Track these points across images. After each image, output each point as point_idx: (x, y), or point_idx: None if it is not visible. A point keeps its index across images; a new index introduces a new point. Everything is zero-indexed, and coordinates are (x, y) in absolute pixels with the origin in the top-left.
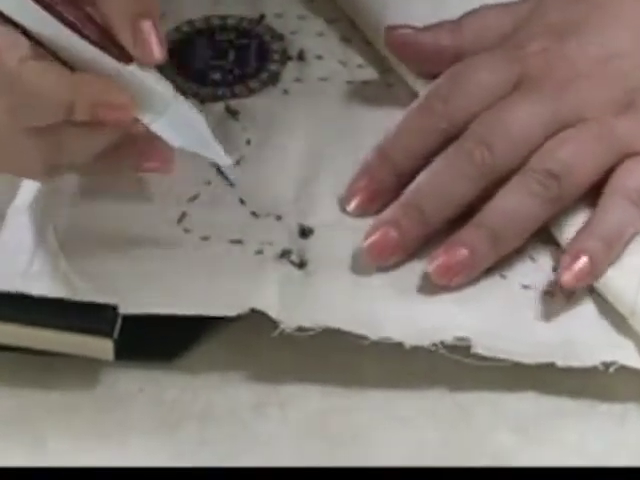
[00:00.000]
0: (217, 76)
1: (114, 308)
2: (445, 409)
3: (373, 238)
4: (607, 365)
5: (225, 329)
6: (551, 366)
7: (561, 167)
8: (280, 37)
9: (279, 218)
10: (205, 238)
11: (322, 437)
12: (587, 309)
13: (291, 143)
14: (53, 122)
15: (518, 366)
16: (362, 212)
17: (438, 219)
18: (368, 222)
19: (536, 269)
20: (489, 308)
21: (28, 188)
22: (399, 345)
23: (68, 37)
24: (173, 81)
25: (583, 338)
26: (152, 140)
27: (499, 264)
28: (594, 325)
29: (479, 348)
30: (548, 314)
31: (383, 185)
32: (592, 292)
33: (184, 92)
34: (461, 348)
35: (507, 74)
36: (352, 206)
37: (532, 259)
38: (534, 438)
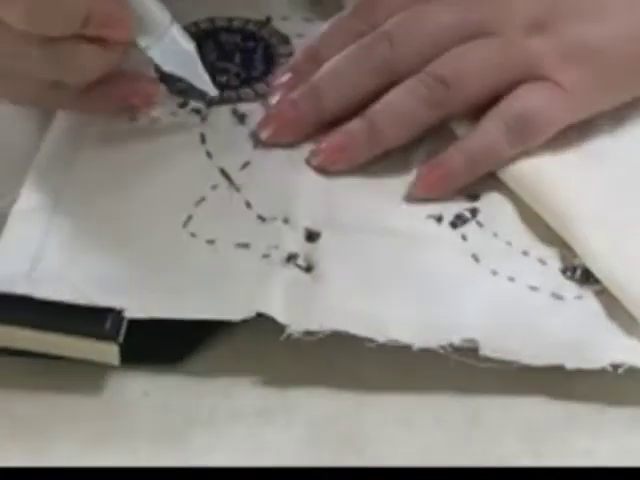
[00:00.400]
0: (223, 79)
1: (119, 312)
2: (453, 414)
3: (270, 114)
4: (616, 367)
5: (231, 334)
6: (560, 370)
7: (452, 73)
8: (286, 40)
9: (286, 221)
10: (211, 242)
11: (328, 443)
12: (596, 311)
13: (299, 145)
14: (65, 33)
15: (527, 370)
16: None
17: (334, 107)
18: (378, 228)
19: (544, 271)
20: (497, 310)
21: (31, 189)
22: (406, 348)
23: None
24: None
25: (592, 340)
26: (137, 77)
27: (507, 267)
28: (603, 327)
29: (487, 350)
30: (556, 316)
31: (305, 79)
32: (601, 294)
33: (189, 94)
34: (469, 350)
35: None
36: (274, 99)
37: (541, 262)
38: (543, 443)
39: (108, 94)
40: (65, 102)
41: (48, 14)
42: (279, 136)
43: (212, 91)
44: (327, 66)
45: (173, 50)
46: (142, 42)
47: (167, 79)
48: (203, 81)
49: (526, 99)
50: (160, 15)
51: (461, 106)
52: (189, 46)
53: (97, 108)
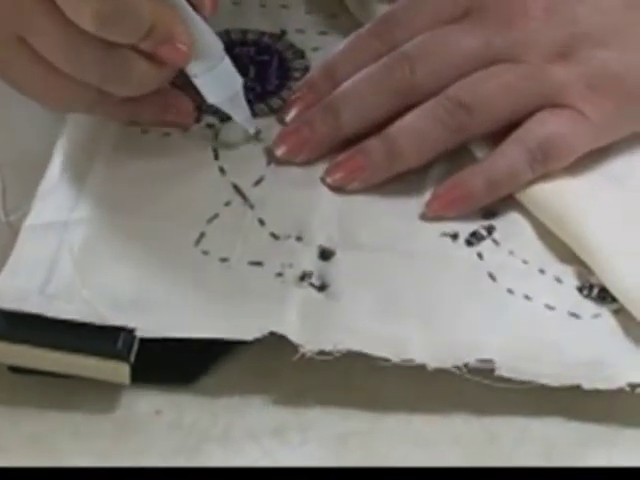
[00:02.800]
0: None
1: (130, 331)
2: (470, 433)
3: (286, 131)
4: (633, 387)
5: (245, 351)
6: (577, 389)
7: (473, 98)
8: (301, 54)
9: (299, 239)
10: (224, 260)
11: (343, 461)
12: (613, 330)
13: (313, 163)
14: (128, 41)
15: (544, 390)
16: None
17: (351, 127)
18: (393, 247)
19: (561, 289)
20: (513, 329)
21: (43, 203)
22: (422, 367)
23: None
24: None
25: (609, 360)
26: (174, 94)
27: (523, 285)
28: (620, 346)
29: (503, 370)
30: (573, 335)
31: (321, 97)
32: (618, 312)
33: (203, 109)
34: (485, 370)
35: (458, 6)
36: (290, 116)
37: (558, 280)
38: (559, 463)
39: (144, 109)
40: (107, 110)
41: (117, 19)
42: (294, 154)
43: (252, 128)
44: (345, 85)
45: (221, 83)
46: (193, 69)
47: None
48: (244, 117)
49: (549, 124)
50: (215, 46)
51: (481, 131)
52: (237, 82)
53: (132, 119)
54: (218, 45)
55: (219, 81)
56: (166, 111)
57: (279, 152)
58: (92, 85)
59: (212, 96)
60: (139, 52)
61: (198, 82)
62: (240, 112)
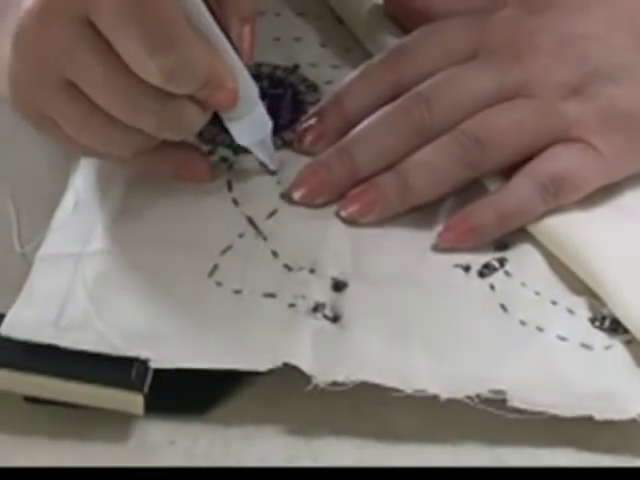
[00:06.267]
0: None
1: (144, 362)
2: (480, 463)
3: (303, 176)
4: None
5: (258, 381)
6: (589, 420)
7: (488, 135)
8: (315, 87)
9: (312, 271)
10: (237, 292)
11: None
12: (625, 361)
13: None
14: (188, 92)
15: (555, 421)
16: (309, 150)
17: (367, 168)
18: (405, 278)
19: (573, 321)
20: (525, 360)
21: (57, 233)
22: (433, 398)
23: (206, 19)
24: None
25: (620, 390)
26: (191, 151)
27: (535, 317)
28: (632, 377)
29: (515, 401)
30: (585, 366)
31: (330, 126)
32: (630, 343)
33: (217, 142)
34: (497, 401)
35: (467, 40)
36: (303, 145)
37: (570, 312)
38: None
39: (160, 162)
40: (120, 162)
41: (182, 73)
42: (312, 197)
43: (274, 167)
44: (361, 127)
45: (253, 127)
46: (231, 114)
47: None
48: (269, 157)
49: (561, 159)
50: (253, 92)
51: (495, 166)
52: (268, 125)
53: (148, 172)
54: (255, 90)
55: (252, 125)
56: (182, 168)
57: (297, 196)
58: (142, 131)
59: (243, 139)
60: (191, 99)
61: (231, 125)
62: (267, 154)
